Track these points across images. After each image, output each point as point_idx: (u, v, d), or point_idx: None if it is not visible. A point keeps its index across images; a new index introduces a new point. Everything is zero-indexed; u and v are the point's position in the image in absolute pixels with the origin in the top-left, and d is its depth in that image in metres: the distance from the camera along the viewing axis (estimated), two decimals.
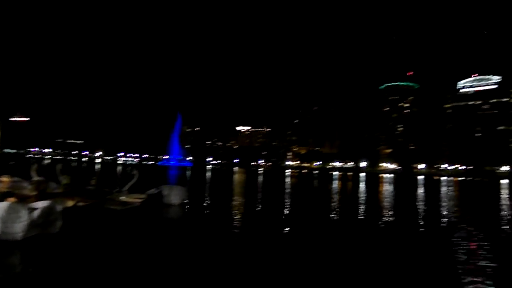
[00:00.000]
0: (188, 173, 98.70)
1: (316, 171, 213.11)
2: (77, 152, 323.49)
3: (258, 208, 28.13)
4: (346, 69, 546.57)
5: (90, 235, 15.60)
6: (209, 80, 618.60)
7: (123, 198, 22.55)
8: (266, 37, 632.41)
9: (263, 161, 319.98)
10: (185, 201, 27.05)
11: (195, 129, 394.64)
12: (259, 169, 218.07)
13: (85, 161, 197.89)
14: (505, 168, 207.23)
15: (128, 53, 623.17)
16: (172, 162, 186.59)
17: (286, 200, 35.69)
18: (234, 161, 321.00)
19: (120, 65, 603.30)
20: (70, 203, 19.35)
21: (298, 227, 20.81)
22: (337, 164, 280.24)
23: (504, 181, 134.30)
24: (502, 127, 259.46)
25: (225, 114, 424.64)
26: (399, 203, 38.05)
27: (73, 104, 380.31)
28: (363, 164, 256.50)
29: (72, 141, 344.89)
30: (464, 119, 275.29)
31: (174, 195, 26.05)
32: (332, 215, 26.14)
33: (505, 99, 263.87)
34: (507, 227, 23.97)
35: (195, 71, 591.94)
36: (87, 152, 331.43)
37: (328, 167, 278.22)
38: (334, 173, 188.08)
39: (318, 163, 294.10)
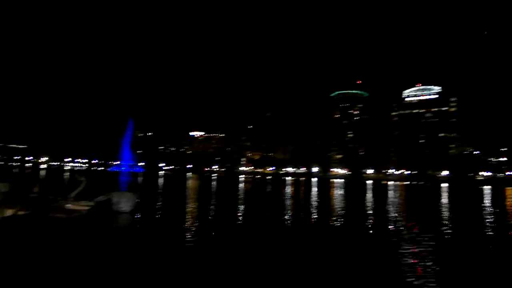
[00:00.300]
0: (140, 179, 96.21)
1: (270, 177, 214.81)
2: (19, 157, 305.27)
3: (211, 215, 27.83)
4: (299, 76, 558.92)
5: (26, 246, 14.59)
6: (162, 85, 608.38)
7: (68, 206, 21.48)
8: (219, 42, 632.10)
9: (217, 166, 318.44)
10: (136, 208, 26.26)
11: (148, 134, 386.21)
12: (212, 175, 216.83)
13: (28, 167, 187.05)
14: (445, 172, 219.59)
15: (77, 52, 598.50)
16: (123, 168, 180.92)
17: (240, 207, 35.62)
18: (188, 166, 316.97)
19: (69, 64, 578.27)
20: (9, 212, 18.16)
21: (250, 233, 20.79)
22: (290, 169, 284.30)
23: (444, 185, 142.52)
24: (442, 134, 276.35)
25: (178, 119, 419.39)
26: (348, 207, 39.12)
27: (15, 105, 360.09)
28: (315, 169, 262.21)
29: (14, 145, 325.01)
30: (409, 126, 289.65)
31: (124, 202, 25.18)
32: (284, 220, 26.38)
33: (444, 108, 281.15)
34: (446, 228, 25.40)
35: (148, 75, 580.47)
36: (31, 158, 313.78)
37: (281, 172, 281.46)
38: (287, 178, 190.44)
39: (271, 168, 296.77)
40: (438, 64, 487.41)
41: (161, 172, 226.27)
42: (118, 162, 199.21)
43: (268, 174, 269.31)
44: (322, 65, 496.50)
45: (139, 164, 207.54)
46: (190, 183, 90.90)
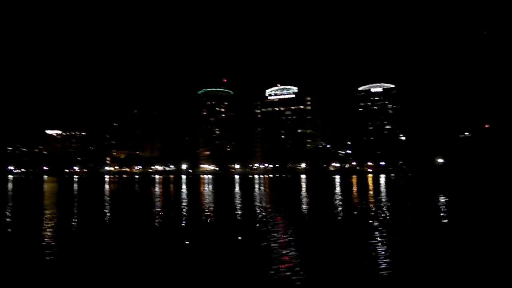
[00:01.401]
0: None
1: (137, 176, 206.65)
2: None
3: (71, 222, 25.41)
4: (167, 73, 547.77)
5: None
6: (11, 78, 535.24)
7: None
8: (82, 34, 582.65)
9: (78, 167, 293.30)
10: None
11: None
12: (74, 177, 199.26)
13: None
14: (303, 165, 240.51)
15: None
16: None
17: (106, 210, 33.29)
18: (44, 168, 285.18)
19: None
20: None
21: (113, 237, 19.64)
22: (159, 167, 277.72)
23: (303, 176, 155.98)
24: (300, 130, 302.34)
25: (31, 116, 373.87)
26: (216, 202, 39.76)
27: None
28: (184, 166, 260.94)
29: None
30: (271, 123, 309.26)
31: None
32: (152, 220, 25.58)
33: (301, 107, 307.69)
34: (305, 215, 27.77)
35: None
36: None
37: (149, 170, 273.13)
38: (156, 176, 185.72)
39: (138, 167, 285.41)
40: (295, 66, 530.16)
41: (11, 176, 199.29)
42: None
43: (136, 173, 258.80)
44: (190, 63, 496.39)
45: None
46: (47, 187, 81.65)
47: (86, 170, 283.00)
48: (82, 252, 15.76)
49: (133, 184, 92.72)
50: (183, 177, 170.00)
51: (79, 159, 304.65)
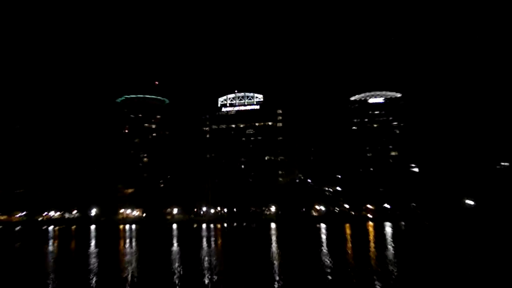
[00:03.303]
0: None
1: (20, 227, 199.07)
2: None
3: None
4: (69, 72, 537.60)
5: None
6: None
7: None
8: None
9: None
10: None
11: None
12: None
13: None
14: (273, 209, 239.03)
15: None
16: None
17: None
18: None
19: None
20: None
21: None
22: (54, 214, 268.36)
23: (273, 226, 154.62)
24: (268, 157, 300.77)
25: None
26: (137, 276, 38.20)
27: None
28: (94, 211, 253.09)
29: None
30: (226, 146, 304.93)
31: None
32: None
33: (269, 123, 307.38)
34: None
35: None
36: None
37: (40, 219, 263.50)
38: (50, 228, 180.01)
39: (22, 214, 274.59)
40: (260, 65, 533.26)
41: None
42: None
43: (18, 223, 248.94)
44: (105, 58, 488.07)
45: None
46: None
47: None
48: None
49: (13, 238, 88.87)
50: (92, 228, 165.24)
51: None
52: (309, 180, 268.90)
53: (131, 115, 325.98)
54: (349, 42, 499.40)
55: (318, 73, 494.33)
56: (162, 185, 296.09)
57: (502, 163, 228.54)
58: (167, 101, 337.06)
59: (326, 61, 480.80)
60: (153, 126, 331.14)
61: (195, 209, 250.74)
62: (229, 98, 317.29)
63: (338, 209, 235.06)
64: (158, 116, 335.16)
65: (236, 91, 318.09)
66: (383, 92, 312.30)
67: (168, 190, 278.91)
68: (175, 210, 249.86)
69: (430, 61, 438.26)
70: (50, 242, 78.92)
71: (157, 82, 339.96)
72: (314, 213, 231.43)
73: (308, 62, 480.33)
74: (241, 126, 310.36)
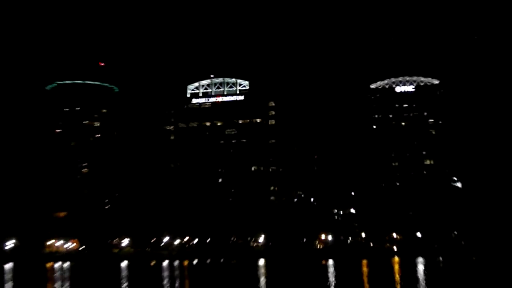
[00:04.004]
0: None
1: None
2: None
3: None
4: None
5: None
6: None
7: None
8: None
9: None
10: None
11: None
12: None
13: None
14: (262, 238, 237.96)
15: None
16: None
17: None
18: None
19: None
20: None
21: None
22: None
23: (262, 262, 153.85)
24: (255, 168, 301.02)
25: None
26: None
27: None
28: (10, 244, 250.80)
29: None
30: (197, 152, 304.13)
31: None
32: None
33: (257, 120, 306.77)
34: None
35: None
36: None
37: None
38: None
39: None
40: (243, 41, 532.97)
41: None
42: None
43: None
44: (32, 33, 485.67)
45: None
46: None
47: None
48: None
49: None
50: (7, 267, 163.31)
51: None
52: (311, 199, 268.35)
53: (65, 109, 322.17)
54: (368, 11, 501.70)
55: (324, 50, 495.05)
56: (107, 206, 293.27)
57: None
58: (116, 89, 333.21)
59: (336, 35, 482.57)
60: (96, 124, 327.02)
61: (153, 240, 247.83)
62: (202, 86, 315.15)
63: (351, 239, 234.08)
64: (104, 110, 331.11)
65: (212, 76, 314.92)
66: (415, 78, 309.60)
67: (116, 213, 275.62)
68: (125, 241, 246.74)
69: (480, 34, 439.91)
70: None
71: (102, 64, 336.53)
72: (319, 245, 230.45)
73: (311, 34, 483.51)
74: (219, 124, 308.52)
